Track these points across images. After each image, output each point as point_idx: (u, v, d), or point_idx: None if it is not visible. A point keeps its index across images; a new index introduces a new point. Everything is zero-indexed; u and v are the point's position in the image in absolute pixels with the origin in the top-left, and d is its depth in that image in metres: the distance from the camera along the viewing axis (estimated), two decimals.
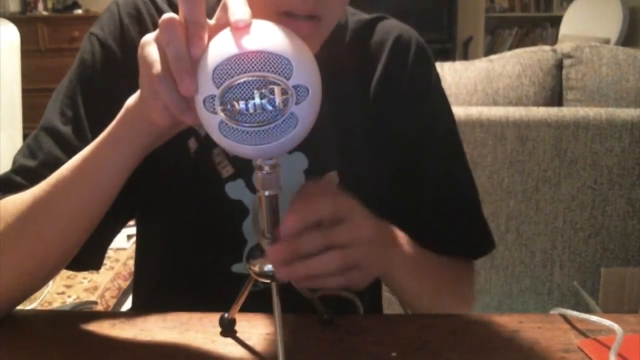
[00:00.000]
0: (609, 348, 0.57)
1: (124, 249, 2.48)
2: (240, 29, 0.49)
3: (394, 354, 0.58)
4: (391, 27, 0.79)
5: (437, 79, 0.80)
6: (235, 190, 0.72)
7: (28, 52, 2.28)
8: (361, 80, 0.76)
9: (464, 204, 0.81)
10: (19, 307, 0.67)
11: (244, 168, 0.71)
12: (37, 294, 0.74)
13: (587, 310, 1.35)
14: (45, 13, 4.70)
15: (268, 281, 0.57)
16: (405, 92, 0.76)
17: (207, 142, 0.71)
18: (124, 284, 2.33)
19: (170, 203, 0.74)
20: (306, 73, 0.49)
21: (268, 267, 0.56)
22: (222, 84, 0.48)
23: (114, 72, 0.70)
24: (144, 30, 0.72)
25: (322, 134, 0.69)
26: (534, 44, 4.80)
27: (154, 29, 0.54)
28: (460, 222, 0.80)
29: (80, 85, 0.71)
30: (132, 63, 0.55)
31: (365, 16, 0.81)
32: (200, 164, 0.72)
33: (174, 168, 0.72)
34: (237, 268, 0.73)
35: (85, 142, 0.64)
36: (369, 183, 0.75)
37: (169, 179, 0.73)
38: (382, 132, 0.76)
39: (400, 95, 0.76)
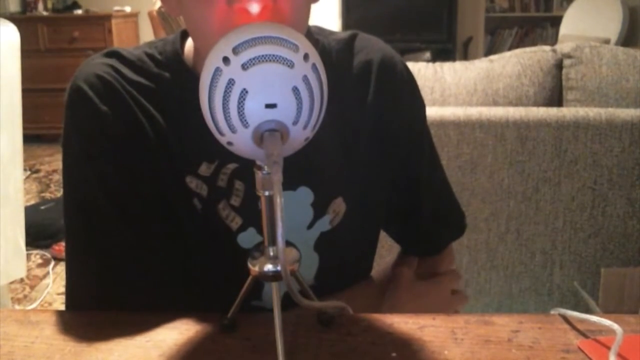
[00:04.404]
0: (609, 348, 0.57)
1: None
2: None
3: (394, 354, 0.58)
4: (371, 47, 0.78)
5: (419, 94, 0.83)
6: (248, 240, 0.72)
7: (28, 52, 2.28)
8: (355, 103, 0.76)
9: (444, 199, 0.88)
10: (19, 307, 0.68)
11: (252, 215, 0.71)
12: (37, 294, 0.74)
13: (587, 310, 1.35)
14: (45, 13, 4.71)
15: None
16: (398, 112, 0.78)
17: (210, 199, 0.71)
18: None
19: (188, 260, 0.73)
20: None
21: (268, 267, 0.56)
22: None
23: (125, 164, 0.70)
24: (121, 101, 0.69)
25: (324, 164, 0.73)
26: (534, 44, 4.80)
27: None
28: (443, 215, 0.87)
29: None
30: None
31: (340, 35, 0.79)
32: (209, 222, 0.72)
33: (186, 228, 0.72)
34: (256, 303, 0.74)
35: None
36: (371, 199, 0.78)
37: (184, 237, 0.72)
38: (381, 150, 0.77)
39: (394, 114, 0.78)
